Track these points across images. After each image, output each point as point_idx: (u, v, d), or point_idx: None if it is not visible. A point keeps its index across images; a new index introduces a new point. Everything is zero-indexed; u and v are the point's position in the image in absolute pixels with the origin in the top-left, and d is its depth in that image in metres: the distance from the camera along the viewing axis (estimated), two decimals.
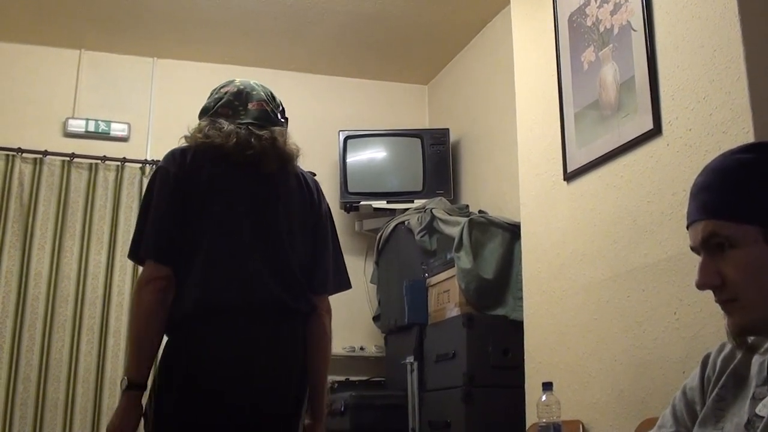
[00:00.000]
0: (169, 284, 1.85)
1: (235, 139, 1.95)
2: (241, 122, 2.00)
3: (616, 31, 2.57)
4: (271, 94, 2.14)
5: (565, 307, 2.74)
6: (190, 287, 1.85)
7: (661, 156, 2.33)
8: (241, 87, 2.09)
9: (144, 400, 1.87)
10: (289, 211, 2.01)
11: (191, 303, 1.84)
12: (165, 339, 1.90)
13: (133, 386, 1.82)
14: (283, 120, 2.15)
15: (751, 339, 1.15)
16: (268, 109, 2.07)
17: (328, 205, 2.17)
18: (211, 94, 2.12)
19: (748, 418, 1.10)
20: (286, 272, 1.95)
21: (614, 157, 2.54)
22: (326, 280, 2.08)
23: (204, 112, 2.07)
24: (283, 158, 2.02)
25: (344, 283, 2.15)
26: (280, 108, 2.16)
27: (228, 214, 1.93)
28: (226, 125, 1.97)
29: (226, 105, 2.04)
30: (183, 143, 2.01)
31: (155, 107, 4.55)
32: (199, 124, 2.03)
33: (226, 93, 2.07)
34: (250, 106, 2.04)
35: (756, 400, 1.10)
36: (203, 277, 1.85)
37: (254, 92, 2.08)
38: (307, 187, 2.09)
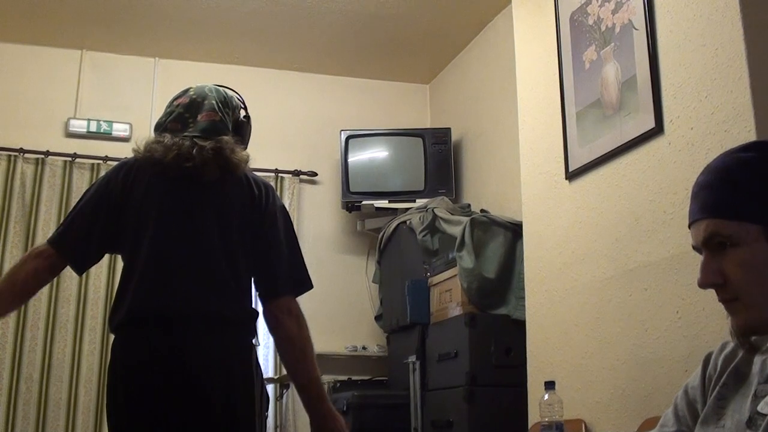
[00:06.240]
0: (47, 269, 1.96)
1: (175, 152, 1.97)
2: (186, 135, 2.02)
3: (617, 29, 2.57)
4: (226, 98, 2.14)
5: (568, 306, 2.74)
6: (126, 296, 1.92)
7: (662, 155, 2.32)
8: (194, 97, 2.10)
9: None
10: (226, 221, 2.00)
11: (123, 312, 1.91)
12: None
13: None
14: (244, 119, 2.17)
15: (753, 338, 1.15)
16: (218, 119, 2.07)
17: (282, 207, 2.14)
18: (168, 105, 2.13)
19: (749, 415, 1.10)
20: (217, 281, 1.94)
21: (616, 156, 2.54)
22: (277, 283, 2.04)
23: (156, 128, 2.10)
24: (226, 167, 2.01)
25: (302, 284, 2.08)
26: (238, 110, 2.17)
27: (160, 226, 1.96)
28: (168, 138, 2.01)
29: (175, 119, 2.06)
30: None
31: (157, 107, 4.50)
32: (147, 138, 2.06)
33: (178, 105, 2.09)
34: (199, 117, 2.06)
35: (758, 397, 1.10)
36: (135, 287, 1.91)
37: (206, 101, 2.09)
38: (252, 193, 2.05)
